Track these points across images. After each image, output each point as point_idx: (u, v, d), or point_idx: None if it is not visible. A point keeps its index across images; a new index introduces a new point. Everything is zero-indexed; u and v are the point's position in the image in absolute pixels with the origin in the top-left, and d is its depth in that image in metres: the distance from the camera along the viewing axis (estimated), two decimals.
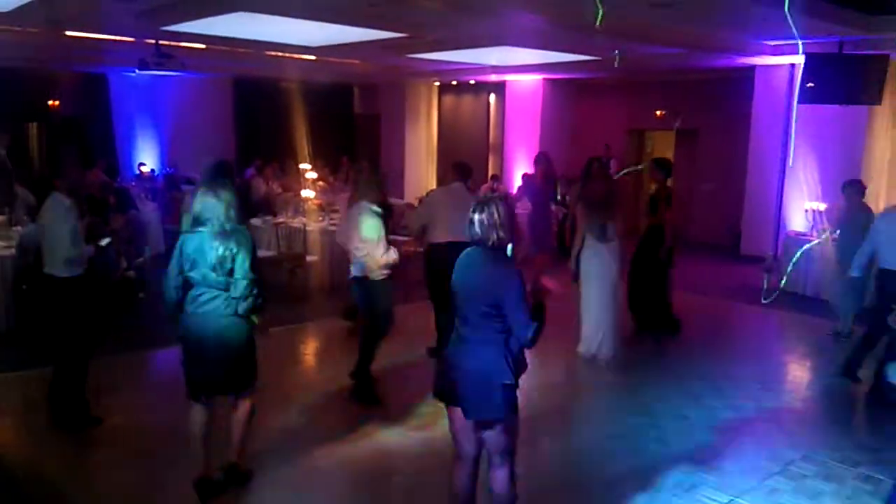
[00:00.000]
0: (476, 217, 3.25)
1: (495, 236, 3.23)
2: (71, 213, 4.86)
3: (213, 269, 3.83)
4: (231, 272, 3.85)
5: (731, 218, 12.44)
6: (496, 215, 3.22)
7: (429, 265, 6.26)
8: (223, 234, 3.83)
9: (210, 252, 3.82)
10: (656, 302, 7.37)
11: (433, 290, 6.21)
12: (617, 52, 8.91)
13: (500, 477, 3.43)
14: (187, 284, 3.91)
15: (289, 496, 4.28)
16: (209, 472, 4.09)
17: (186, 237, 3.92)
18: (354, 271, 5.50)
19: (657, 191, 7.46)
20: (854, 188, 7.15)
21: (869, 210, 7.18)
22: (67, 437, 4.91)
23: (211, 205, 3.84)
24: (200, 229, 3.86)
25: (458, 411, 3.33)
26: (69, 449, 4.74)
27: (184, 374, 4.03)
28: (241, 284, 3.85)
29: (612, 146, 14.09)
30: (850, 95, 8.24)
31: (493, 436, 3.36)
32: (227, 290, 3.86)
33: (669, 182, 7.41)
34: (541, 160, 8.12)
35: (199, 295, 3.89)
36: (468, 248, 3.38)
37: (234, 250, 3.84)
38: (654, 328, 7.41)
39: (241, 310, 3.90)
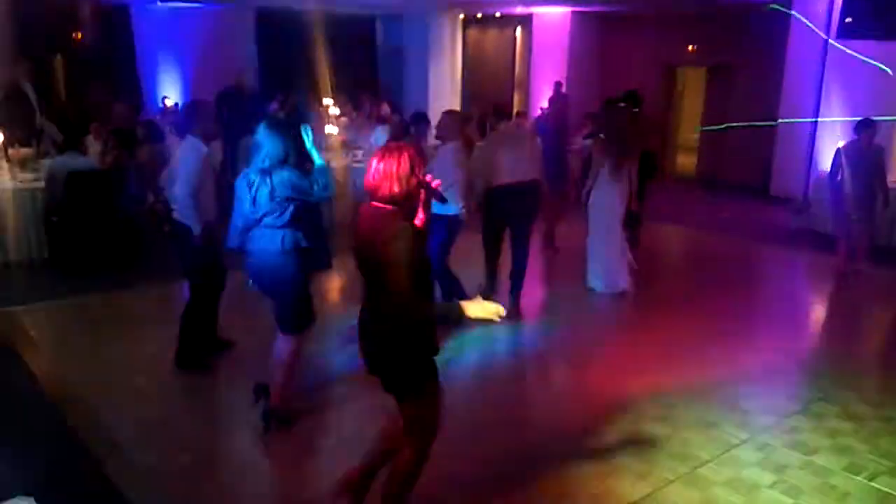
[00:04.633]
0: (373, 165, 2.90)
1: (387, 189, 2.87)
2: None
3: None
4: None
5: (761, 158, 12.19)
6: (395, 166, 2.85)
7: (491, 207, 6.10)
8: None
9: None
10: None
11: (490, 229, 6.22)
12: None
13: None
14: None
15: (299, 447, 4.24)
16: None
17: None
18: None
19: None
20: (872, 129, 7.13)
21: (881, 148, 7.30)
22: (109, 364, 5.08)
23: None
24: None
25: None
26: (103, 376, 4.89)
27: None
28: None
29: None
30: (889, 30, 7.94)
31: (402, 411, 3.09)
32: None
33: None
34: (554, 100, 8.03)
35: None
36: (364, 204, 3.04)
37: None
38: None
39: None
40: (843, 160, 7.26)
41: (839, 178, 7.28)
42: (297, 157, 4.01)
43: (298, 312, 4.12)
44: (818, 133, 10.64)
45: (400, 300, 2.78)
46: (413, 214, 2.94)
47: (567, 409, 4.66)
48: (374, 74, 18.13)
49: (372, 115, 13.76)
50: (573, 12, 14.07)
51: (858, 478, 3.87)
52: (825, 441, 4.23)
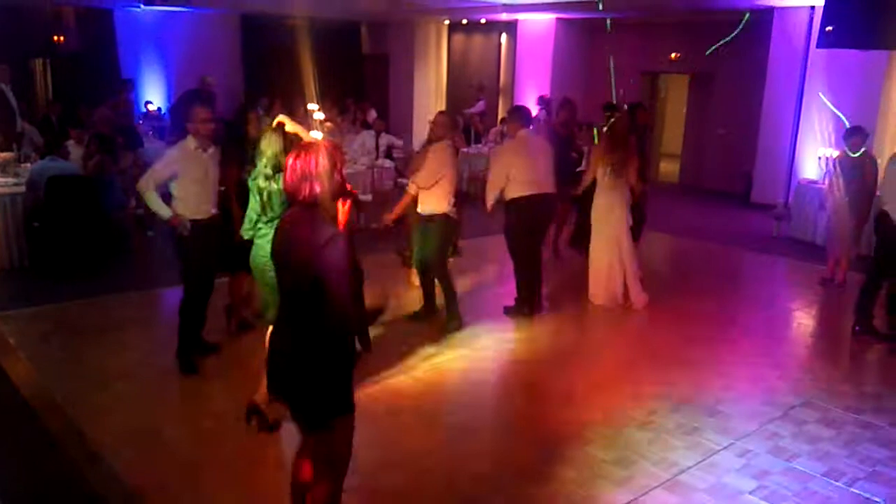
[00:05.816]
0: (290, 164, 2.73)
1: (307, 189, 2.69)
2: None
3: None
4: None
5: (742, 165, 12.31)
6: (313, 164, 2.68)
7: (515, 219, 6.09)
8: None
9: None
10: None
11: (520, 244, 6.20)
12: None
13: None
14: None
15: None
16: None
17: None
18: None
19: None
20: (860, 136, 7.11)
21: (873, 158, 7.24)
22: (89, 370, 5.02)
23: None
24: None
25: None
26: (83, 383, 4.83)
27: None
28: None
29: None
30: (871, 40, 8.01)
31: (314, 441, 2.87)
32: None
33: None
34: (565, 106, 8.01)
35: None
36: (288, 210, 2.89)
37: None
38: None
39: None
40: (837, 169, 7.27)
41: (832, 186, 7.31)
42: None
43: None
44: (798, 142, 10.77)
45: (342, 311, 2.62)
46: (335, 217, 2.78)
47: (549, 415, 4.67)
48: (360, 80, 18.11)
49: (357, 120, 13.75)
50: (558, 19, 14.15)
51: (838, 483, 3.91)
52: (805, 447, 4.27)
